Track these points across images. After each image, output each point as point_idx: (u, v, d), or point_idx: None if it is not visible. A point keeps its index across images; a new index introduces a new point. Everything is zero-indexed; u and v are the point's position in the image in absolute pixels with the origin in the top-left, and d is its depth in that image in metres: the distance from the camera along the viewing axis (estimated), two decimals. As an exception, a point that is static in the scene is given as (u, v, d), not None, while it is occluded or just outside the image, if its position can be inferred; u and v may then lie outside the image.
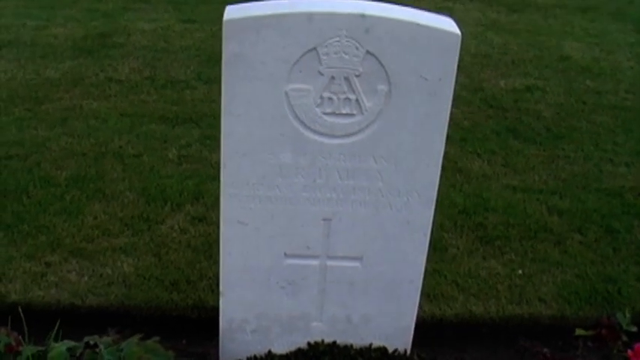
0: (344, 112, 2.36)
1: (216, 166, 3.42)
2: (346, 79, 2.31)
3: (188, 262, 3.46)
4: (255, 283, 2.63)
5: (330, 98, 2.34)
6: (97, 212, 3.82)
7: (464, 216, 3.94)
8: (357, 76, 2.30)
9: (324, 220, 2.53)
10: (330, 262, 2.61)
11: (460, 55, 2.32)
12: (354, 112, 2.36)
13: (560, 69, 6.19)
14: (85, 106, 5.07)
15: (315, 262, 2.61)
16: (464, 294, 3.35)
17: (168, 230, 3.70)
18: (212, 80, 5.41)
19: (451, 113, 2.41)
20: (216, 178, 2.52)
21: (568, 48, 6.71)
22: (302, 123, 2.37)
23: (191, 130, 4.78)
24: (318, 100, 2.34)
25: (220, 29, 2.23)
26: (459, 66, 2.34)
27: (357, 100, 2.34)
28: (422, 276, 2.66)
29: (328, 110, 2.36)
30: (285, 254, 2.58)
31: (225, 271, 2.61)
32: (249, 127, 2.36)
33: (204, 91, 5.37)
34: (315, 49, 2.26)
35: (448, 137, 2.47)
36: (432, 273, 3.33)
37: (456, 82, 2.37)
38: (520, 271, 3.54)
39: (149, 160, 4.38)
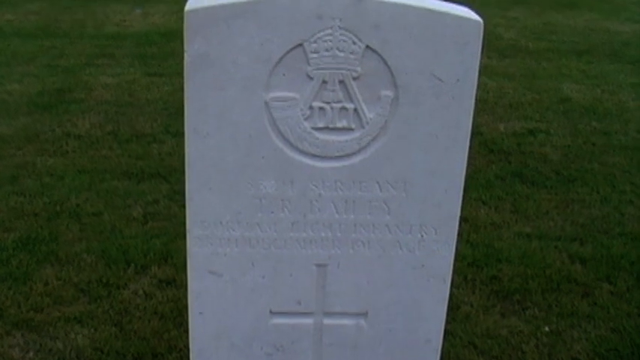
0: (340, 126, 2.02)
1: (188, 224, 3.10)
2: (342, 82, 1.97)
3: (154, 332, 3.13)
4: (234, 350, 2.28)
5: (321, 108, 2.00)
6: (49, 277, 3.48)
7: (474, 269, 3.61)
8: (355, 78, 1.96)
9: (318, 266, 2.19)
10: (327, 321, 2.28)
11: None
12: (353, 125, 2.02)
13: (561, 111, 6.09)
14: (38, 163, 4.81)
15: (308, 321, 2.27)
16: (484, 357, 3.04)
17: (131, 296, 3.38)
18: (181, 133, 4.97)
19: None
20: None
21: (567, 90, 6.68)
22: (287, 142, 2.03)
23: (158, 186, 4.49)
24: (307, 112, 2.00)
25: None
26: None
27: (355, 110, 2.00)
28: (442, 334, 2.34)
29: (320, 124, 2.02)
30: (270, 312, 2.24)
31: (195, 335, 2.26)
32: (221, 150, 2.03)
33: (172, 145, 5.10)
34: (301, 45, 1.92)
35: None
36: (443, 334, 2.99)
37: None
38: (547, 328, 3.22)
39: (110, 218, 4.08)
